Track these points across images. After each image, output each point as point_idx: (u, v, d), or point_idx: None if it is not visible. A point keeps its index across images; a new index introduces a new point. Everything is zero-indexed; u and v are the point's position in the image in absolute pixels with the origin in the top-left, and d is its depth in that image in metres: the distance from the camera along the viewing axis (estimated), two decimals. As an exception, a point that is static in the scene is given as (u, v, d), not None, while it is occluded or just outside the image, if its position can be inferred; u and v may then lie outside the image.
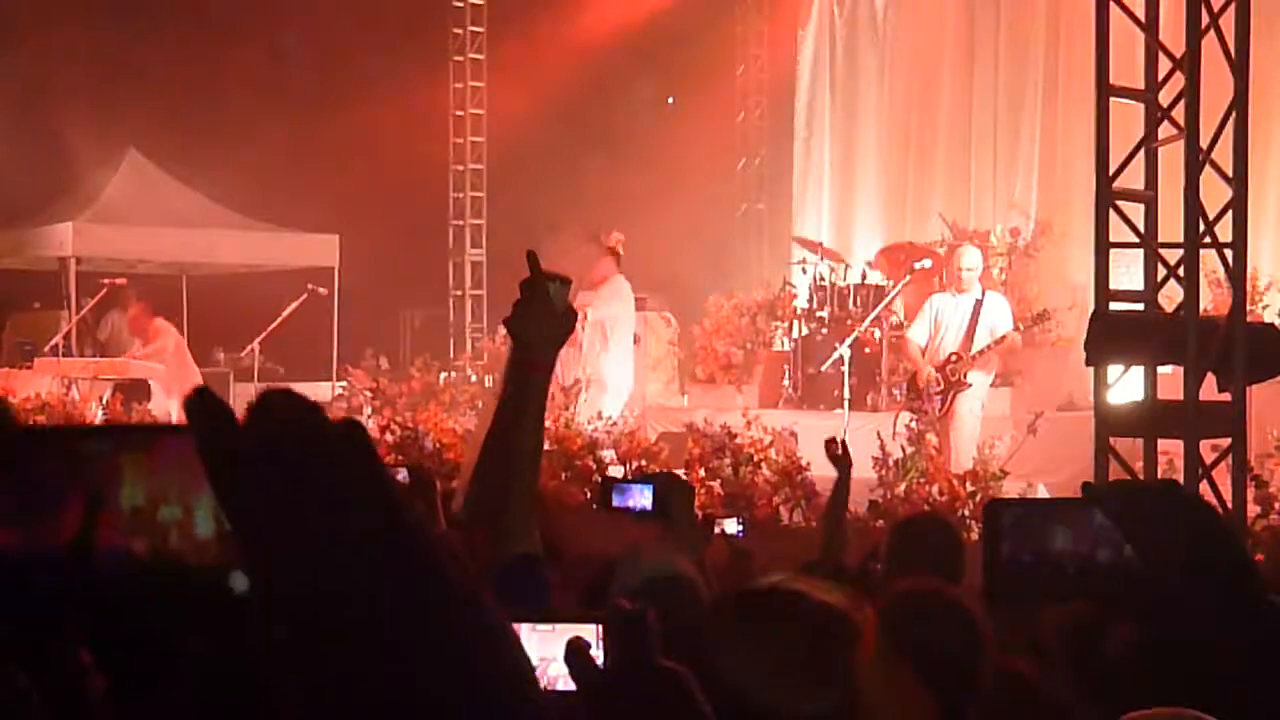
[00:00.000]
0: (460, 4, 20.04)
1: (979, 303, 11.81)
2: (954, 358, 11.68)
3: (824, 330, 14.18)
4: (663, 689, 1.88)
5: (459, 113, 20.20)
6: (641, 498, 4.19)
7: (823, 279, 14.69)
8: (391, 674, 1.01)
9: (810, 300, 14.59)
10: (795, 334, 14.66)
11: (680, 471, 11.02)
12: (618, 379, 13.48)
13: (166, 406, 14.58)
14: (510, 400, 2.86)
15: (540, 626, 2.12)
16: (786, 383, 14.31)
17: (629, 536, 3.93)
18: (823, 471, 10.89)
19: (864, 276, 14.60)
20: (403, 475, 5.97)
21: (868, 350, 13.80)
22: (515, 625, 2.10)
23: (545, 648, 2.12)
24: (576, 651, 1.90)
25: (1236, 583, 1.44)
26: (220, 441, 1.03)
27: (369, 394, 14.77)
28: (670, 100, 19.63)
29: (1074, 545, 1.44)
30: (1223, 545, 1.46)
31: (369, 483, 1.03)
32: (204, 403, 1.04)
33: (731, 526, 5.81)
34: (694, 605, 3.34)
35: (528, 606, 2.63)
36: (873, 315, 13.46)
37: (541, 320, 2.87)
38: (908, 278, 13.41)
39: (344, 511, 1.02)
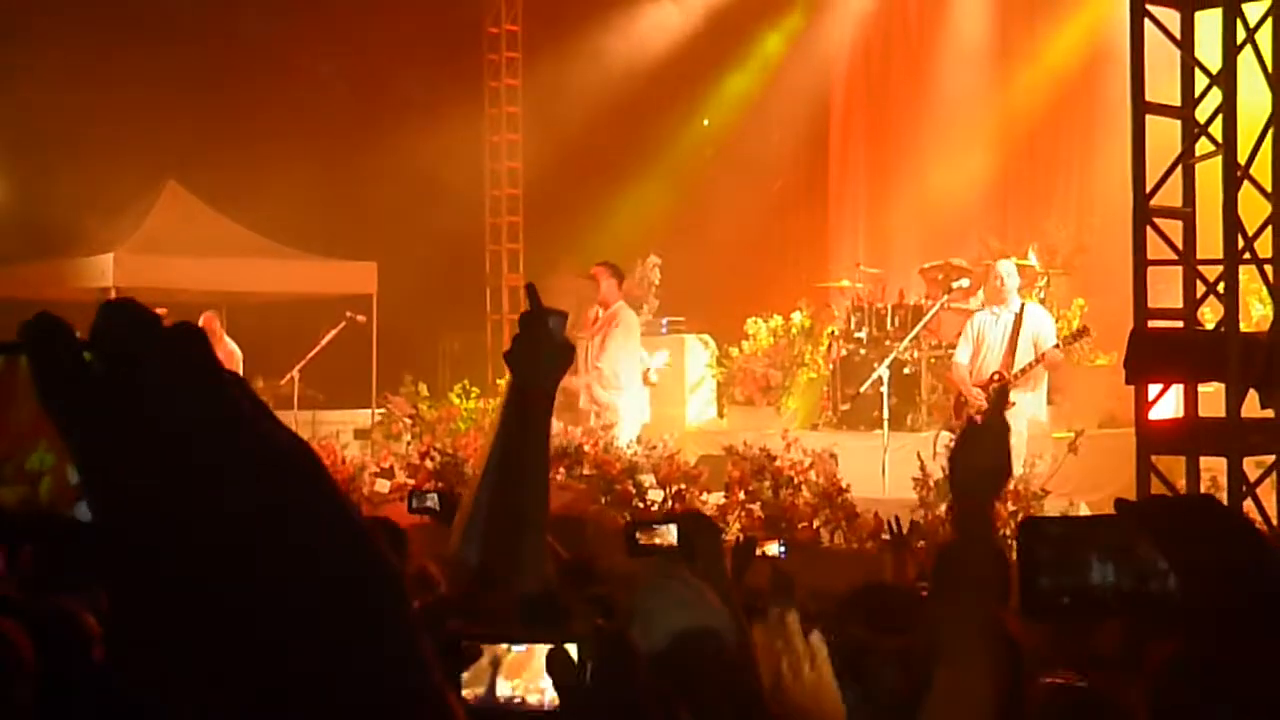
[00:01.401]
0: (495, 30, 20.13)
1: (1019, 316, 11.77)
2: (996, 376, 11.64)
3: (863, 351, 14.16)
4: (647, 707, 1.88)
5: (495, 139, 20.27)
6: (667, 537, 4.16)
7: (861, 299, 14.68)
8: (241, 579, 0.97)
9: (849, 321, 14.57)
10: (834, 355, 14.64)
11: (720, 494, 11.03)
12: (631, 410, 13.24)
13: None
14: (515, 435, 2.86)
15: (517, 648, 2.11)
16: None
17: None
18: (862, 492, 10.90)
19: (901, 296, 14.57)
20: (433, 501, 5.92)
21: (907, 370, 13.77)
22: (491, 646, 2.10)
23: (519, 670, 2.11)
24: (557, 659, 1.90)
25: (1273, 593, 1.44)
26: (59, 356, 1.00)
27: (409, 420, 14.80)
28: (705, 122, 19.64)
29: (1115, 576, 1.42)
30: (1262, 560, 1.46)
31: (207, 382, 1.00)
32: (42, 321, 1.02)
33: (773, 549, 5.78)
34: (723, 657, 3.32)
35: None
36: (911, 335, 13.43)
37: (542, 354, 2.86)
38: (945, 297, 13.39)
39: (182, 413, 0.99)
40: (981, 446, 2.77)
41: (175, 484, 0.98)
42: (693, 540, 4.16)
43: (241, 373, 15.31)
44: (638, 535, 4.31)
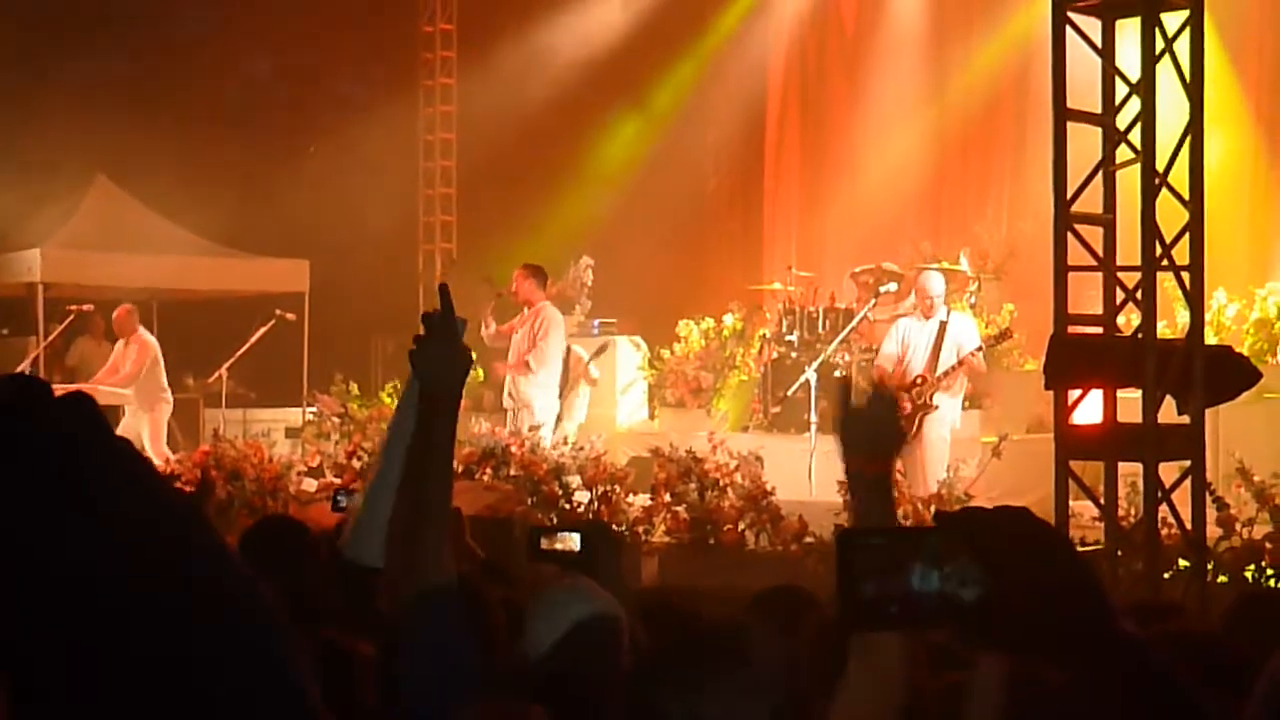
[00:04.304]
0: (430, 29, 20.05)
1: (944, 324, 11.85)
2: (920, 380, 11.70)
3: (794, 354, 14.16)
4: None
5: (430, 138, 20.19)
6: (569, 543, 4.18)
7: (793, 302, 14.69)
8: (127, 633, 0.99)
9: (780, 324, 14.57)
10: (765, 358, 14.64)
11: (646, 496, 11.02)
12: (543, 403, 13.29)
13: (137, 429, 14.52)
14: (421, 436, 2.83)
15: None
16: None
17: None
18: (788, 495, 10.91)
19: (833, 299, 14.59)
20: (357, 500, 5.89)
21: (838, 373, 13.79)
22: None
23: None
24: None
25: (1084, 608, 1.46)
26: None
27: (338, 420, 14.71)
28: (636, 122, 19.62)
29: (939, 584, 1.43)
30: (1071, 572, 1.48)
31: (101, 444, 1.01)
32: None
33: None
34: (618, 648, 3.32)
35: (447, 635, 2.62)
36: (840, 338, 13.45)
37: (450, 356, 2.85)
38: (873, 301, 13.42)
39: (80, 474, 0.99)
40: (872, 413, 2.75)
41: (72, 540, 0.98)
42: (595, 551, 4.17)
43: (162, 366, 14.96)
44: (541, 540, 4.32)
